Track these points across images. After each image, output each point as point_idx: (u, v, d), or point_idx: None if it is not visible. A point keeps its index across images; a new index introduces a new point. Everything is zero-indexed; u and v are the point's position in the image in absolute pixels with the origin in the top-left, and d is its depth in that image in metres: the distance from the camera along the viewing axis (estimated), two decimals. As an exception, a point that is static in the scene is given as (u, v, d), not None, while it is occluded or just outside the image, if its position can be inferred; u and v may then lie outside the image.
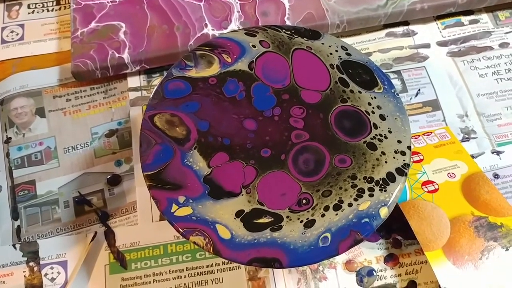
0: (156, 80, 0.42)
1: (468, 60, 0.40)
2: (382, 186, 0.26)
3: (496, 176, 0.35)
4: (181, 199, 0.26)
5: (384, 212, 0.25)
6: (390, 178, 0.26)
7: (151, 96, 0.29)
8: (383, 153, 0.27)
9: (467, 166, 0.33)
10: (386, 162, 0.26)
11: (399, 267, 0.32)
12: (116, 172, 0.38)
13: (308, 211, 0.25)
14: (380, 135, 0.27)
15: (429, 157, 0.34)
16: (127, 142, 0.39)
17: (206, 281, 0.33)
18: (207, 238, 0.25)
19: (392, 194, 0.25)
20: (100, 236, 0.35)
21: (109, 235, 0.35)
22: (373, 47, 0.42)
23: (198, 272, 0.34)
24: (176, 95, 0.29)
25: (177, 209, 0.25)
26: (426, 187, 0.33)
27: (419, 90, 0.39)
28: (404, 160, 0.26)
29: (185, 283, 0.33)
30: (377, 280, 0.32)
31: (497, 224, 0.30)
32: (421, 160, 0.34)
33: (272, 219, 0.25)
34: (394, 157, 0.26)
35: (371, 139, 0.27)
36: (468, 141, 0.36)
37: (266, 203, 0.26)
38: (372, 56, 0.41)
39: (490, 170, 0.35)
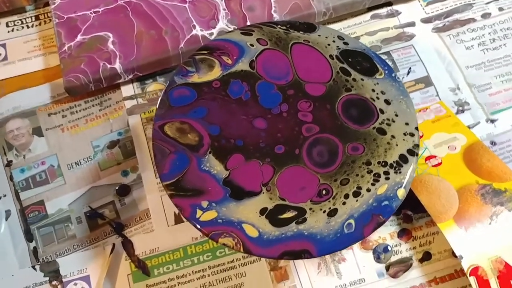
0: (150, 87, 0.42)
1: (454, 34, 0.41)
2: (397, 169, 0.27)
3: (493, 143, 0.36)
4: (204, 204, 0.26)
5: (401, 193, 0.26)
6: (403, 159, 0.27)
7: (157, 106, 0.30)
8: (393, 136, 0.28)
9: (465, 137, 0.35)
10: (397, 145, 0.27)
11: (412, 241, 0.34)
12: (124, 182, 0.38)
13: (329, 201, 0.26)
14: (388, 119, 0.28)
15: (429, 132, 0.36)
16: (131, 151, 0.39)
17: (229, 276, 0.34)
18: (235, 238, 0.25)
19: (407, 174, 0.26)
20: (119, 247, 0.35)
21: (127, 245, 0.36)
22: (360, 30, 0.43)
23: (220, 270, 0.34)
24: (183, 102, 0.29)
25: (202, 214, 0.26)
26: (430, 162, 0.34)
27: (410, 68, 0.40)
28: (413, 141, 0.27)
29: (209, 282, 0.34)
30: (394, 255, 0.34)
31: (501, 189, 0.32)
32: (421, 137, 0.36)
33: (296, 212, 0.26)
34: (404, 139, 0.28)
35: (380, 124, 0.28)
36: (463, 113, 0.38)
37: (287, 198, 0.26)
38: (360, 39, 0.42)
39: (487, 138, 0.37)
